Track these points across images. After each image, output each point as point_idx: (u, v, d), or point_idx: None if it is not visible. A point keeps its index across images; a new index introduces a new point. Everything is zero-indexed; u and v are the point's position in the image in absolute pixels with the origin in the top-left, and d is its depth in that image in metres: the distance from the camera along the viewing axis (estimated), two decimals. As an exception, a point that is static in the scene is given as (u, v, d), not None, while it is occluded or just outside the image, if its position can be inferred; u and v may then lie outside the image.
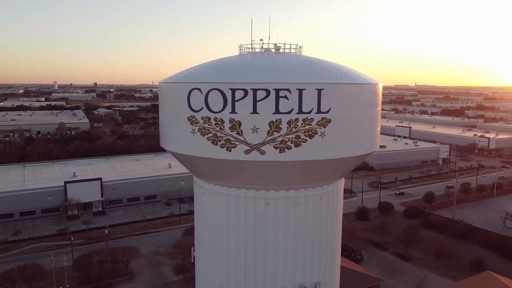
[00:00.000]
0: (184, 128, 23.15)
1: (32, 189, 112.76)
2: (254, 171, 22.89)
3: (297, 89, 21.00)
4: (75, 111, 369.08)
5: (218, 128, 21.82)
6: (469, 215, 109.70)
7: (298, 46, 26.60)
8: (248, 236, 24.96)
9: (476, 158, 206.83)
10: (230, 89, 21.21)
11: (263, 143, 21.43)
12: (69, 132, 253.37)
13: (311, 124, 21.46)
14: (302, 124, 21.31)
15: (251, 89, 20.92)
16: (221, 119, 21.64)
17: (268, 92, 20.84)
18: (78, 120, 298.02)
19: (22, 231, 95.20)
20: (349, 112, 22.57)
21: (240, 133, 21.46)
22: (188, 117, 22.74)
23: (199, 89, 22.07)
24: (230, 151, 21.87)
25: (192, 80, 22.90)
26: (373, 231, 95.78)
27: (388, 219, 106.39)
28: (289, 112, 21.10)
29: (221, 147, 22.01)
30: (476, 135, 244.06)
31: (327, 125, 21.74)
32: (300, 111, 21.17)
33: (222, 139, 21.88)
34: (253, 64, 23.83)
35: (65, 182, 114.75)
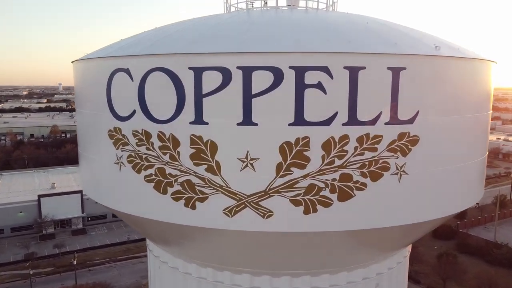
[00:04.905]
0: (104, 153, 11.66)
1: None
2: (248, 246, 11.26)
3: (345, 67, 9.38)
4: (74, 113, 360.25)
5: (167, 157, 10.24)
6: (509, 235, 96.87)
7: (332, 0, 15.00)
8: None
9: (503, 165, 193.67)
10: (191, 68, 9.64)
11: (266, 193, 9.81)
12: (63, 135, 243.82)
13: (375, 149, 9.81)
14: (356, 148, 9.68)
15: (238, 67, 9.33)
16: (172, 136, 10.08)
17: (278, 75, 9.26)
18: (74, 122, 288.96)
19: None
20: (453, 120, 10.92)
21: (215, 169, 9.87)
22: (110, 130, 11.23)
23: (126, 71, 10.52)
24: (195, 208, 10.26)
25: (115, 53, 11.32)
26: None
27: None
28: (328, 122, 9.51)
29: (174, 199, 10.41)
30: (499, 138, 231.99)
31: (410, 150, 10.09)
32: (352, 120, 9.57)
33: (176, 181, 10.28)
34: (246, 22, 12.25)
35: (39, 196, 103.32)
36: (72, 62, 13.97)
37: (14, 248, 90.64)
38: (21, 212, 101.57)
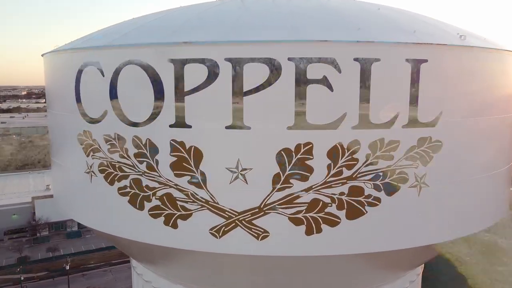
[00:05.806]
0: (74, 161, 10.14)
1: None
2: (240, 270, 9.73)
3: (356, 59, 7.85)
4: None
5: (143, 167, 8.71)
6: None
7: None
8: None
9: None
10: (171, 61, 8.10)
11: (261, 209, 8.28)
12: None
13: (391, 157, 8.29)
14: (369, 156, 8.15)
15: (226, 59, 7.80)
16: (149, 142, 8.55)
17: (275, 68, 7.73)
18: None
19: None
20: (481, 122, 9.40)
21: (199, 181, 8.34)
22: (79, 134, 9.70)
23: (97, 65, 8.98)
24: (176, 226, 8.72)
25: (84, 45, 9.81)
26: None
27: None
28: (334, 126, 7.99)
29: (152, 216, 8.88)
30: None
31: (432, 157, 8.56)
32: (364, 122, 8.09)
33: (154, 194, 8.74)
34: (238, 9, 10.71)
35: (33, 198, 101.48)
36: (42, 55, 12.43)
37: (6, 251, 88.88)
38: (14, 214, 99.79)
